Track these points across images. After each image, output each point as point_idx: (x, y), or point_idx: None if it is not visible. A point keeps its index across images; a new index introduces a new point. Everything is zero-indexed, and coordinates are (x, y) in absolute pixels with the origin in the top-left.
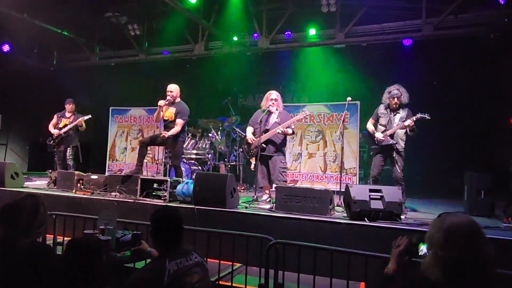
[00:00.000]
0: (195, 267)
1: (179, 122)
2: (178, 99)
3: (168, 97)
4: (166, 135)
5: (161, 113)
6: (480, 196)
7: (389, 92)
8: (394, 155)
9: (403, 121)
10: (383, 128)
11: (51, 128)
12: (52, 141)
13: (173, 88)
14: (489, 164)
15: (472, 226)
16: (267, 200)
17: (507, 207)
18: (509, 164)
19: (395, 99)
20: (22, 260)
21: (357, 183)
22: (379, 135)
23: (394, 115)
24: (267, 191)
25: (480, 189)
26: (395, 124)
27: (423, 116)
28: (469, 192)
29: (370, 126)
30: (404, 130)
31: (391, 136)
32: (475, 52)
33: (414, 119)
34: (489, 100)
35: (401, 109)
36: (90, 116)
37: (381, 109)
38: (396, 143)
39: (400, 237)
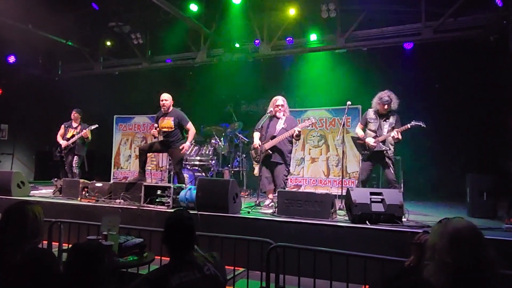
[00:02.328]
0: (203, 281)
1: (189, 126)
2: (172, 108)
3: (163, 108)
4: (187, 147)
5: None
6: (482, 198)
7: (380, 98)
8: (385, 160)
9: (392, 127)
10: (373, 134)
11: (59, 138)
12: (60, 152)
13: (167, 97)
14: (491, 165)
15: (474, 230)
16: (270, 205)
17: (509, 208)
18: (510, 166)
19: (386, 105)
20: (23, 266)
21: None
22: (370, 141)
23: (384, 120)
24: (270, 196)
25: (482, 190)
26: (385, 130)
27: (417, 123)
28: (471, 194)
29: (359, 131)
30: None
31: (383, 142)
32: (475, 54)
33: (409, 126)
34: (490, 102)
35: (390, 115)
36: (97, 125)
37: (370, 114)
38: (389, 149)
39: (420, 234)
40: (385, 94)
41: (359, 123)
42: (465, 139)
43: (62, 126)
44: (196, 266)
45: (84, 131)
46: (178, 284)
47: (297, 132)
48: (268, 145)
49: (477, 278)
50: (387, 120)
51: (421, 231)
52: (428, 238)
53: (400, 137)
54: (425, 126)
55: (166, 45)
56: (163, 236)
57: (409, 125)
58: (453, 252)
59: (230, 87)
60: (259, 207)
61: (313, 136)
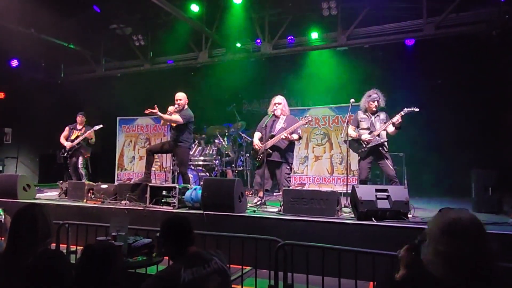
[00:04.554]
0: (213, 275)
1: (177, 117)
2: (186, 107)
3: (176, 105)
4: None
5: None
6: (487, 193)
7: (369, 96)
8: (383, 154)
9: (384, 122)
10: (367, 131)
11: (63, 140)
12: (65, 153)
13: (182, 96)
14: (495, 161)
15: (472, 221)
16: (258, 203)
17: None
18: None
19: (375, 102)
20: (36, 267)
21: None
22: (366, 137)
23: (375, 117)
24: (260, 194)
25: (487, 186)
26: (378, 126)
27: (410, 109)
28: (476, 189)
29: (352, 132)
30: (386, 132)
31: (378, 135)
32: (478, 50)
33: (403, 114)
34: (494, 96)
35: (379, 112)
36: (102, 125)
37: (360, 114)
38: (386, 140)
39: (402, 249)
40: (372, 92)
41: (351, 125)
42: (469, 134)
43: (67, 128)
44: (204, 261)
45: (89, 131)
46: (191, 279)
47: (284, 138)
48: (268, 144)
49: (475, 269)
50: (377, 117)
51: (425, 227)
52: (404, 249)
53: (400, 119)
54: (418, 109)
55: (167, 46)
56: (164, 239)
57: (402, 113)
58: (445, 240)
59: (232, 87)
60: (265, 206)
61: (316, 134)
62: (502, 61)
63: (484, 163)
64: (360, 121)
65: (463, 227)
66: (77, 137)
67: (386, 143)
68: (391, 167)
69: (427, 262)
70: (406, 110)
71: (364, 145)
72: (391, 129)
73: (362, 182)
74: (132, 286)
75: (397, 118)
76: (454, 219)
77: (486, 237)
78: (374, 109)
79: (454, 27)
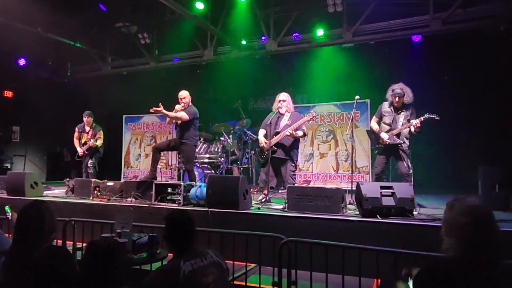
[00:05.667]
0: (210, 267)
1: (183, 113)
2: (190, 104)
3: (182, 104)
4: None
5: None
6: (494, 190)
7: (393, 90)
8: (400, 153)
9: (408, 119)
10: (387, 127)
11: (76, 143)
12: (79, 158)
13: (186, 94)
14: (502, 157)
15: (487, 209)
16: (262, 200)
17: None
18: None
19: (397, 98)
20: (41, 264)
21: (370, 181)
22: (384, 136)
23: (399, 113)
24: (265, 192)
25: (494, 182)
26: (400, 123)
27: (431, 116)
28: (483, 186)
29: (374, 124)
30: (408, 129)
31: (397, 135)
32: (485, 46)
33: (422, 119)
34: (501, 93)
35: (405, 108)
36: (98, 143)
37: (385, 107)
38: (403, 142)
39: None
40: (397, 87)
41: (374, 116)
42: (475, 131)
43: (76, 129)
44: (201, 254)
45: (91, 142)
46: (191, 270)
47: (289, 134)
48: (272, 141)
49: (488, 254)
50: (401, 113)
51: (430, 224)
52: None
53: (419, 124)
54: (438, 118)
55: (173, 44)
56: (167, 234)
57: (422, 118)
58: (469, 227)
59: (237, 84)
60: (269, 203)
61: (322, 132)
62: (509, 57)
63: (491, 160)
64: (384, 115)
65: (485, 215)
66: (85, 143)
67: (405, 143)
68: (405, 165)
69: (448, 247)
70: (426, 115)
71: (381, 142)
72: (413, 128)
73: (377, 176)
74: (137, 283)
75: (416, 123)
76: (475, 209)
77: (496, 224)
78: (396, 104)
79: (461, 22)
